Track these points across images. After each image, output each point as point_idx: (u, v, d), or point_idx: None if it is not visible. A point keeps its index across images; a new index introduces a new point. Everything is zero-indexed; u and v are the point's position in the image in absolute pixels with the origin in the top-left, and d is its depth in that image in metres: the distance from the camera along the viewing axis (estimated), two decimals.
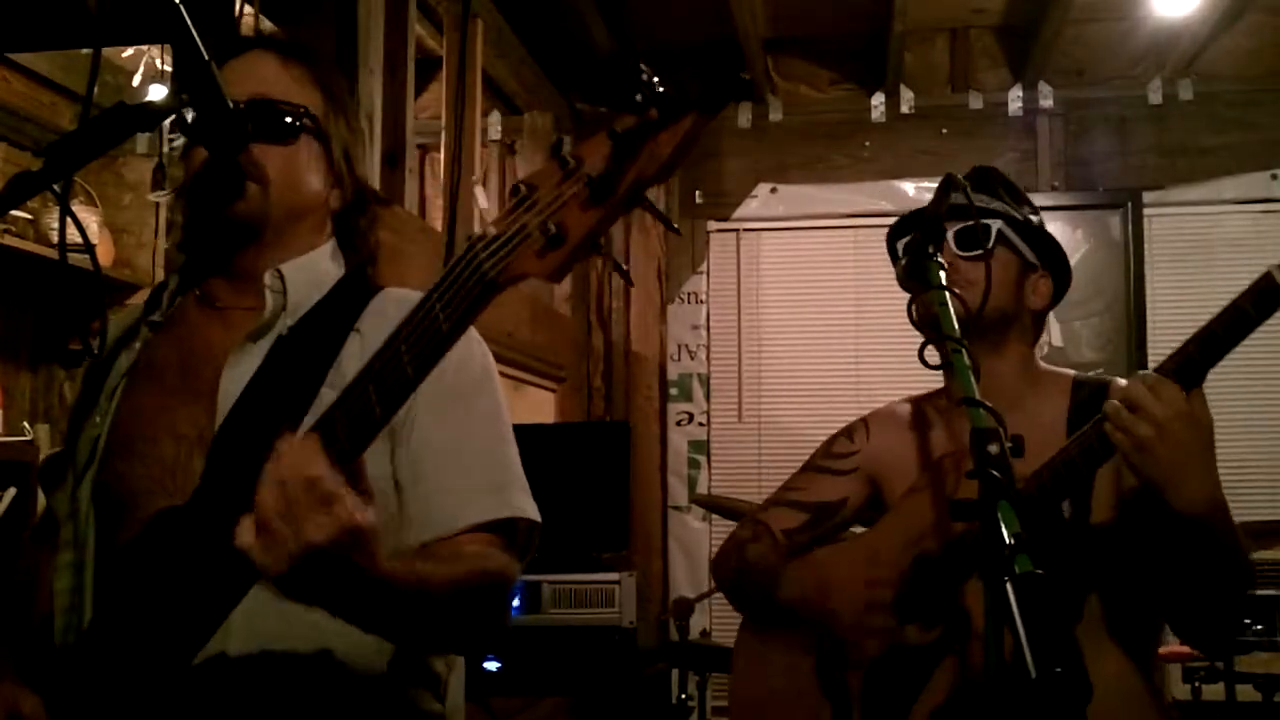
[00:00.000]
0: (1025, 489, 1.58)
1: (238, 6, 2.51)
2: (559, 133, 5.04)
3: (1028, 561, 1.21)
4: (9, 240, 3.42)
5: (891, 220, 1.99)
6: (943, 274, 1.67)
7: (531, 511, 1.43)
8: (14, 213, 3.21)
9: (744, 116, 5.18)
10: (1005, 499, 1.28)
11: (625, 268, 1.37)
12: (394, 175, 3.06)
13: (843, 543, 1.96)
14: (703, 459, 5.04)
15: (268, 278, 1.43)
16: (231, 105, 1.30)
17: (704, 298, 5.14)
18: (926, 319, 1.71)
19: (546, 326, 4.62)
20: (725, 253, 5.12)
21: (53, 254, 3.29)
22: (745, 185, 5.14)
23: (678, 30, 4.94)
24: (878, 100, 5.05)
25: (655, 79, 0.96)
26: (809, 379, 4.93)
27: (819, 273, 4.97)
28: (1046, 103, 4.96)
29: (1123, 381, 1.86)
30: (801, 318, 4.98)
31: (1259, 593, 4.24)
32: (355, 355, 1.38)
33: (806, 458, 2.08)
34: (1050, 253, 1.92)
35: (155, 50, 3.79)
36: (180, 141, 1.47)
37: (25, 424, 3.63)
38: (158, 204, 3.95)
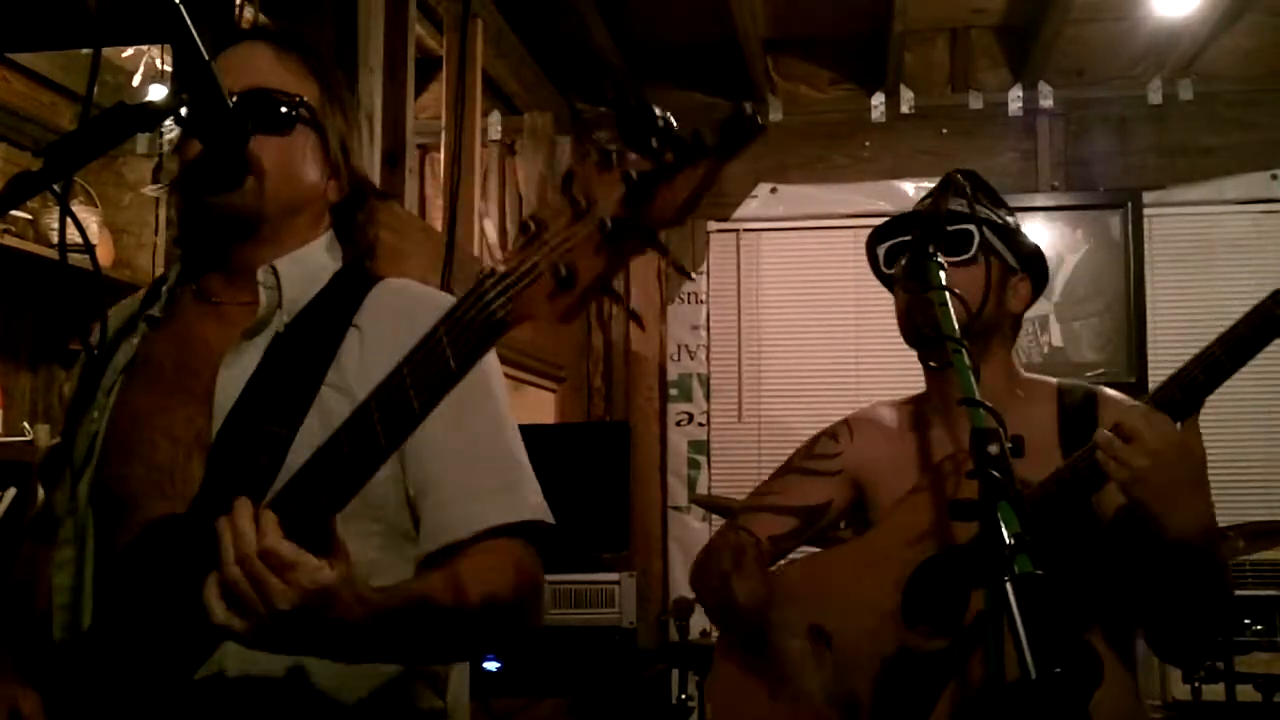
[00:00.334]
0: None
1: (238, 6, 2.51)
2: (559, 132, 5.04)
3: (1028, 561, 1.21)
4: (9, 240, 3.42)
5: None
6: (943, 274, 1.67)
7: (546, 514, 1.43)
8: (14, 213, 3.21)
9: None
10: (1005, 499, 1.28)
11: (634, 309, 1.37)
12: (394, 175, 3.06)
13: (833, 551, 1.94)
14: (703, 459, 5.04)
15: (261, 274, 1.41)
16: (231, 104, 1.30)
17: (704, 298, 5.14)
18: (922, 326, 1.72)
19: (546, 327, 4.61)
20: (725, 253, 5.12)
21: (53, 254, 3.29)
22: (745, 185, 5.13)
23: (678, 30, 4.94)
24: (878, 100, 5.05)
25: (670, 122, 0.94)
26: (809, 379, 4.93)
27: (819, 273, 4.97)
28: (1046, 103, 4.96)
29: (1110, 392, 1.89)
30: (802, 318, 4.98)
31: (1259, 593, 4.24)
32: (354, 351, 1.37)
33: None
34: (1029, 256, 1.92)
35: (155, 50, 3.78)
36: (175, 134, 1.45)
37: (25, 424, 3.62)
38: (157, 204, 3.96)
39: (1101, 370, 4.77)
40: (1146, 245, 4.83)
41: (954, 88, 5.07)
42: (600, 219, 0.95)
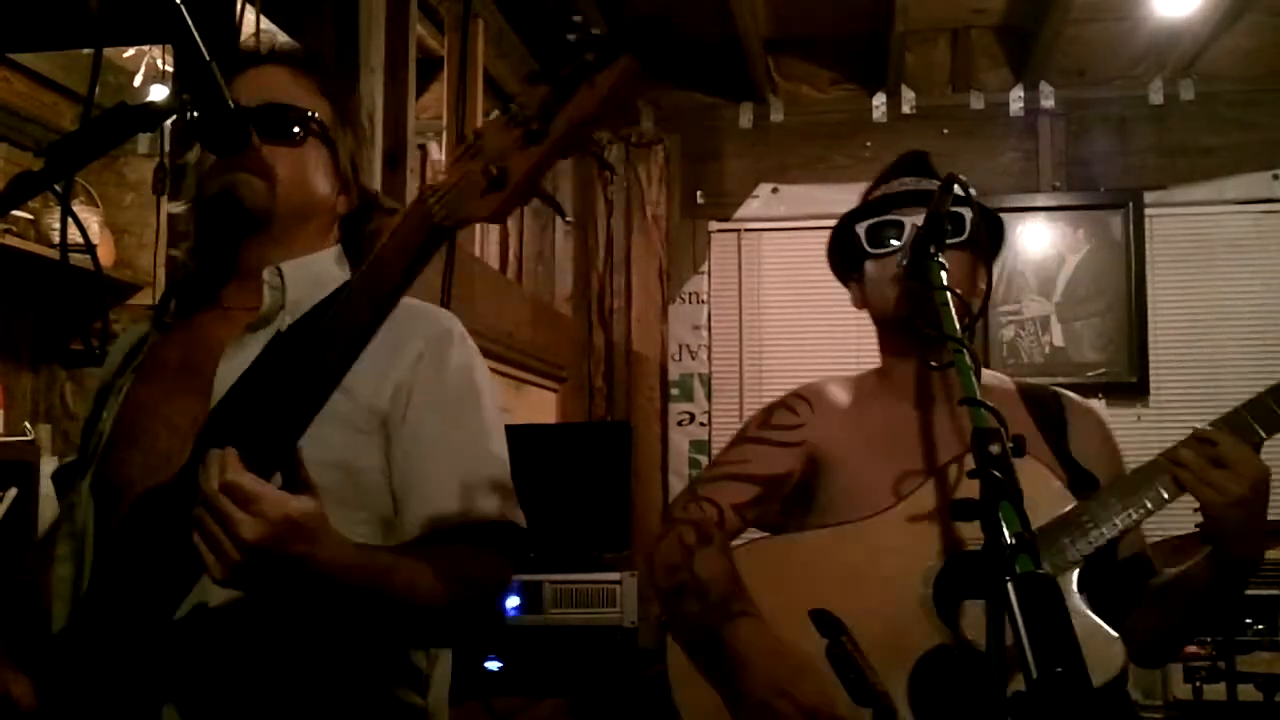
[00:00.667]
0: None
1: (239, 6, 2.51)
2: None
3: (1028, 561, 1.21)
4: (10, 240, 3.42)
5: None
6: (944, 274, 1.66)
7: (519, 518, 1.46)
8: (15, 213, 3.21)
9: (745, 117, 5.18)
10: (1006, 499, 1.28)
11: (568, 217, 1.46)
12: (395, 175, 3.06)
13: (815, 535, 1.78)
14: (704, 459, 5.03)
15: (266, 274, 1.45)
16: (233, 105, 1.32)
17: (705, 298, 5.14)
18: (923, 326, 1.71)
19: (548, 326, 4.62)
20: (726, 253, 5.12)
21: (54, 254, 3.30)
22: (746, 185, 5.14)
23: (678, 30, 4.94)
24: (879, 100, 5.05)
25: (589, 25, 1.01)
26: (810, 379, 4.91)
27: (820, 273, 4.85)
28: (1048, 103, 4.96)
29: (1073, 395, 1.89)
30: (803, 318, 4.98)
31: (1260, 593, 4.24)
32: None
33: None
34: (994, 243, 1.90)
35: (156, 50, 3.78)
36: (194, 155, 1.50)
37: (26, 424, 3.63)
38: (158, 204, 3.95)
39: (1103, 370, 4.77)
40: (1147, 245, 4.83)
41: (955, 88, 5.07)
42: (525, 116, 1.03)
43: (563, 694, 3.30)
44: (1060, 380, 4.82)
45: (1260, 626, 4.09)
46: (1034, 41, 4.78)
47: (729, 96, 5.21)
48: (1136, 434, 4.66)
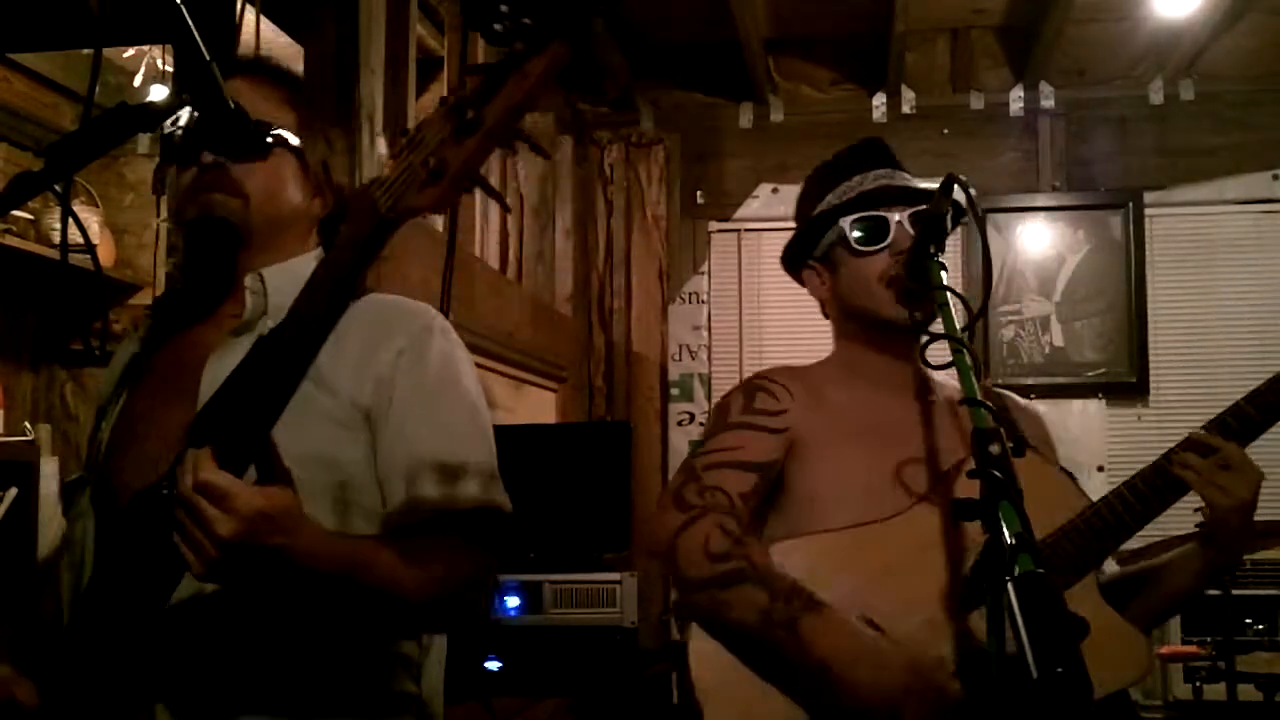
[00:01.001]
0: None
1: (239, 6, 2.51)
2: (559, 132, 5.05)
3: (1028, 561, 1.21)
4: (10, 240, 3.42)
5: None
6: (944, 274, 1.67)
7: (504, 503, 1.47)
8: (15, 213, 3.21)
9: (745, 117, 5.18)
10: (1006, 499, 1.28)
11: (506, 202, 1.47)
12: None
13: (821, 538, 1.72)
14: None
15: (248, 280, 1.48)
16: (232, 105, 1.32)
17: (705, 298, 5.14)
18: (923, 325, 1.72)
19: (548, 327, 4.62)
20: (726, 253, 5.13)
21: (54, 254, 3.30)
22: (746, 185, 5.14)
23: (678, 30, 4.94)
24: (879, 100, 5.06)
25: (516, 10, 1.03)
26: None
27: None
28: (1048, 103, 4.96)
29: (1019, 399, 1.90)
30: (803, 318, 4.95)
31: (1259, 593, 4.24)
32: (333, 354, 1.41)
33: None
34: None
35: (156, 50, 3.78)
36: (171, 175, 1.53)
37: (26, 424, 3.62)
38: (159, 204, 3.95)
39: (1103, 370, 4.77)
40: (1147, 245, 4.83)
41: (955, 88, 5.07)
42: (459, 109, 1.06)
43: (563, 694, 3.30)
44: (1060, 380, 4.84)
45: (1260, 626, 4.10)
46: (1034, 41, 4.79)
47: (728, 96, 5.21)
48: (1136, 434, 4.67)
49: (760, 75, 5.01)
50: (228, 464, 1.18)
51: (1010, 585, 1.21)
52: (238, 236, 1.49)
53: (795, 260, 1.98)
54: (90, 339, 3.67)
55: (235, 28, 2.52)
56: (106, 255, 3.90)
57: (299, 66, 2.96)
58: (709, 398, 5.08)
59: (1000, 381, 4.60)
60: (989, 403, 1.43)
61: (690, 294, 5.16)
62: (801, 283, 2.00)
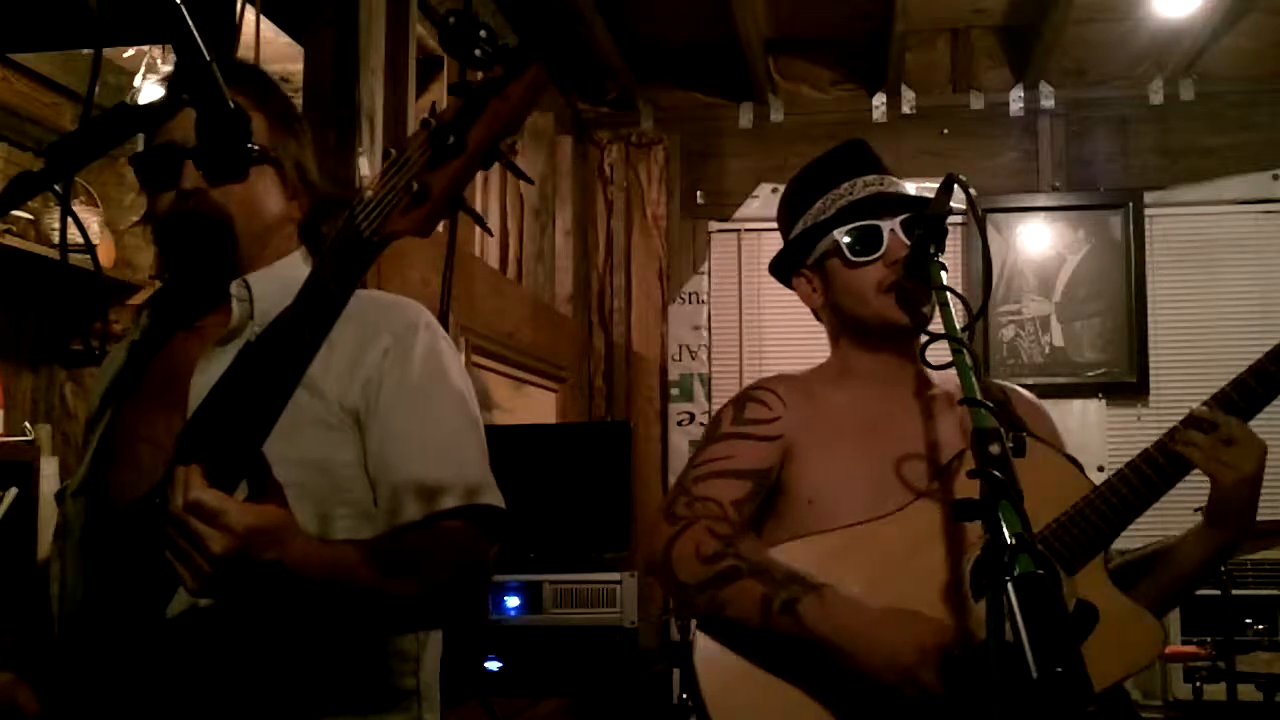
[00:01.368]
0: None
1: (239, 6, 2.51)
2: (559, 132, 5.05)
3: (1028, 561, 1.22)
4: (10, 240, 3.41)
5: None
6: (944, 274, 1.67)
7: (497, 499, 1.47)
8: (15, 213, 3.21)
9: (745, 117, 5.18)
10: (1006, 499, 1.28)
11: (487, 223, 1.46)
12: None
13: (822, 539, 1.73)
14: None
15: (234, 287, 1.48)
16: (232, 105, 1.31)
17: (705, 298, 5.14)
18: (899, 319, 1.73)
19: (548, 327, 4.62)
20: (726, 253, 5.13)
21: (54, 254, 3.29)
22: (746, 185, 5.14)
23: (678, 30, 4.94)
24: (879, 100, 5.06)
25: (495, 35, 1.03)
26: None
27: None
28: (1048, 103, 4.96)
29: (1024, 392, 1.89)
30: (803, 318, 4.94)
31: (1259, 593, 4.24)
32: (322, 359, 1.41)
33: None
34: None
35: (156, 50, 3.78)
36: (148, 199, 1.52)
37: (26, 424, 3.62)
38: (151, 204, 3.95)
39: (1102, 370, 4.77)
40: (1147, 245, 4.83)
41: (955, 88, 5.07)
42: (442, 133, 1.05)
43: (563, 694, 3.30)
44: (1060, 380, 4.85)
45: (1260, 626, 4.10)
46: (1034, 41, 4.78)
47: (728, 96, 5.21)
48: (1136, 434, 4.67)
49: (760, 75, 5.01)
50: (219, 480, 1.18)
51: (1010, 585, 1.21)
52: (222, 255, 1.48)
53: (786, 268, 1.98)
54: (90, 339, 3.66)
55: (235, 28, 2.52)
56: (106, 255, 3.90)
57: (299, 66, 2.97)
58: (709, 398, 5.08)
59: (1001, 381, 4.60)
60: (991, 398, 1.44)
61: (690, 294, 5.16)
62: (793, 289, 2.00)
